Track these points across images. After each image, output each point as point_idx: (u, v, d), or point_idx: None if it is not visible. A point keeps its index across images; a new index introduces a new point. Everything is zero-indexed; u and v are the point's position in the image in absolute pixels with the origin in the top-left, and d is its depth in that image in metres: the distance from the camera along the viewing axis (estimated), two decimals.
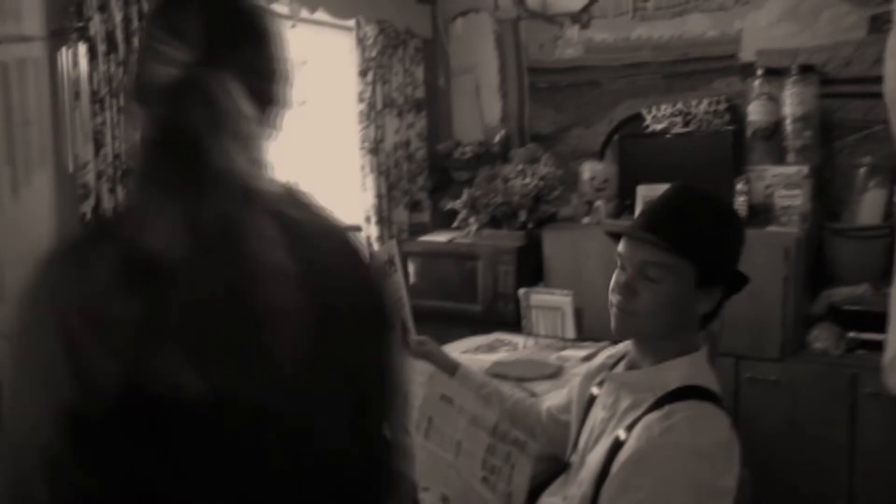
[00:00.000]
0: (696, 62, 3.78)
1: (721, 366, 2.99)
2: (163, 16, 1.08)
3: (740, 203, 3.23)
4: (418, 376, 1.74)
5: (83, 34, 2.74)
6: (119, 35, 2.82)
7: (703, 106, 3.65)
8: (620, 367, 1.62)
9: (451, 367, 1.90)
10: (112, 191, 2.83)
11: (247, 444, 0.95)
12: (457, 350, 3.21)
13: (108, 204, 2.81)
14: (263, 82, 1.14)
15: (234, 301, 0.97)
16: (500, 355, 3.08)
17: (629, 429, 1.42)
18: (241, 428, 0.95)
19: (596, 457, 1.48)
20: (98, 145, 2.79)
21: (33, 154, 2.75)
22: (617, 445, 1.42)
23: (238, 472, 0.96)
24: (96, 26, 2.76)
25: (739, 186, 3.28)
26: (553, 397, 1.92)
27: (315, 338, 0.98)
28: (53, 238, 2.82)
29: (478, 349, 3.22)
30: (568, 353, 3.04)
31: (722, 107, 3.61)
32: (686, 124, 3.69)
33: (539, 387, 2.54)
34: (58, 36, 2.74)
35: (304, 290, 0.99)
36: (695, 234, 1.46)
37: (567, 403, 1.81)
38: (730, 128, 3.56)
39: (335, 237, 1.14)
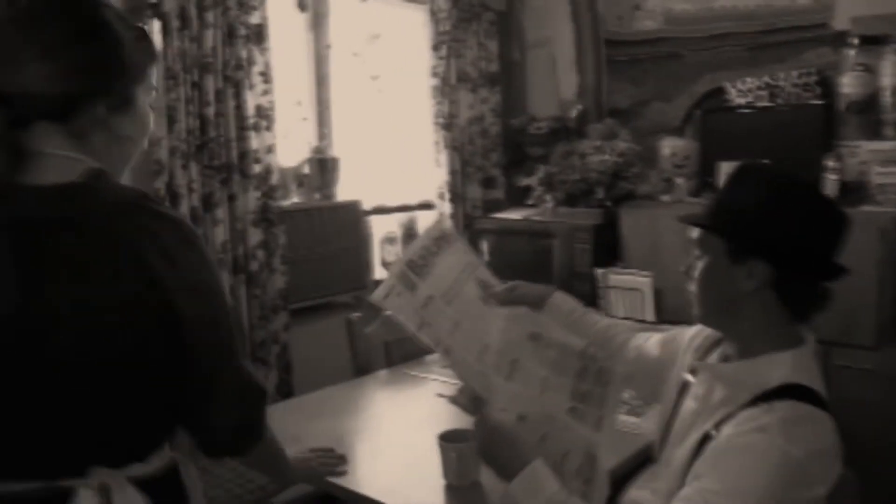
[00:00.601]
0: (784, 32, 3.59)
1: None
2: None
3: (831, 181, 3.07)
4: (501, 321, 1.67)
5: (157, 11, 2.73)
6: (192, 11, 2.81)
7: (791, 78, 3.48)
8: (714, 356, 1.52)
9: (542, 301, 1.84)
10: (185, 167, 2.83)
11: None
12: None
13: (180, 180, 2.81)
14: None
15: None
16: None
17: (718, 426, 1.33)
18: None
19: (683, 452, 1.40)
20: (171, 121, 2.78)
21: None
22: (704, 441, 1.34)
23: None
24: (170, 3, 2.74)
25: (830, 163, 3.12)
26: (646, 338, 1.81)
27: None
28: None
29: None
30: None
31: (812, 79, 3.43)
32: (772, 98, 3.53)
33: None
34: (133, 13, 2.73)
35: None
36: (725, 205, 1.40)
37: (657, 359, 1.71)
38: (819, 101, 3.39)
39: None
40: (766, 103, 3.53)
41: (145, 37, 1.29)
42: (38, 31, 1.14)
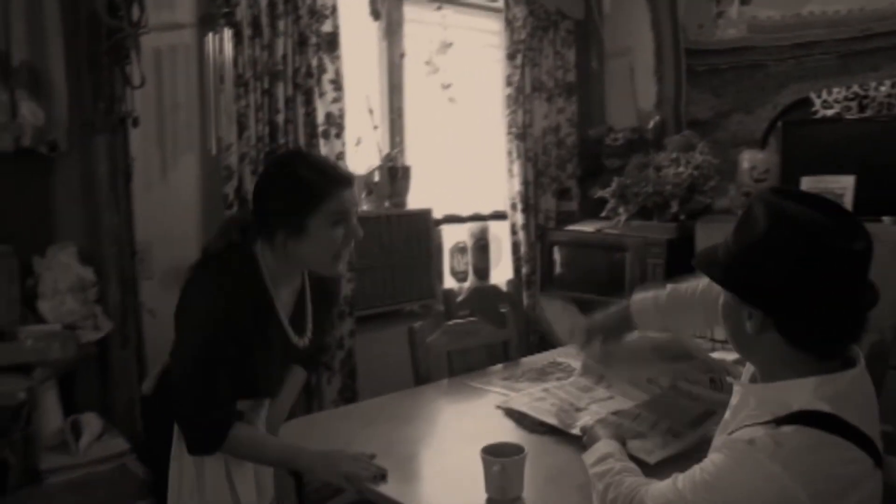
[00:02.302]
0: (880, 38, 3.44)
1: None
2: None
3: None
4: None
5: (230, 20, 2.79)
6: (264, 20, 2.86)
7: (885, 88, 3.32)
8: (747, 375, 1.50)
9: (626, 324, 2.05)
10: (254, 172, 2.87)
11: None
12: None
13: (249, 186, 2.85)
14: None
15: None
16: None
17: (732, 433, 1.33)
18: None
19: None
20: (241, 128, 2.84)
21: (181, 137, 2.84)
22: None
23: None
24: (242, 11, 2.80)
25: None
26: None
27: None
28: (198, 219, 2.90)
29: None
30: (717, 355, 2.83)
31: None
32: (862, 109, 3.37)
33: None
34: (206, 22, 2.80)
35: None
36: (728, 244, 1.33)
37: None
38: None
39: None
40: (855, 115, 3.37)
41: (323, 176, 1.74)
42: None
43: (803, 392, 1.26)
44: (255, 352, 1.79)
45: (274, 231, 1.74)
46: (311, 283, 1.95)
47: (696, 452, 1.68)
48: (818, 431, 1.21)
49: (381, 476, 1.74)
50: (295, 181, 1.73)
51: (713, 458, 1.28)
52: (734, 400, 1.46)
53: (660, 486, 1.36)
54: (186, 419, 1.75)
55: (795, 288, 1.24)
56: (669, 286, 1.98)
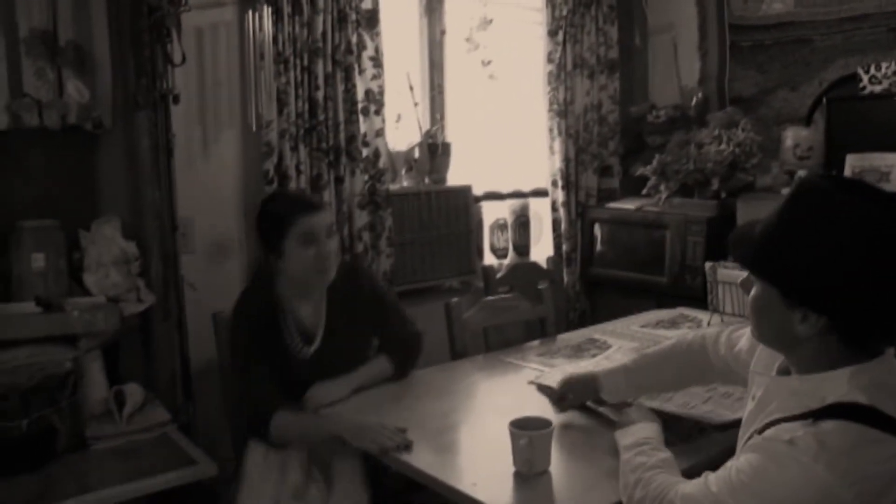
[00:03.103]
0: None
1: None
2: None
3: None
4: None
5: None
6: None
7: None
8: (776, 365, 1.43)
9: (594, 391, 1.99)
10: (294, 149, 2.91)
11: None
12: (637, 323, 3.08)
13: (289, 161, 2.89)
14: None
15: None
16: (681, 332, 2.90)
17: (763, 430, 1.27)
18: None
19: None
20: (281, 105, 2.87)
21: (222, 114, 2.89)
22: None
23: None
24: None
25: None
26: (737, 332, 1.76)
27: None
28: (239, 194, 2.96)
29: (658, 324, 3.06)
30: (718, 324, 2.81)
31: None
32: None
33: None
34: (246, 0, 2.83)
35: None
36: (774, 238, 1.27)
37: (745, 349, 1.66)
38: None
39: None
40: None
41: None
42: None
43: (839, 384, 1.24)
44: (268, 358, 2.16)
45: (267, 256, 2.20)
46: (330, 296, 2.28)
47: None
48: (859, 426, 1.18)
49: (406, 447, 1.81)
50: (268, 213, 2.21)
51: (749, 459, 1.23)
52: (758, 392, 1.42)
53: (690, 488, 1.32)
54: (238, 409, 2.21)
55: (861, 290, 1.20)
56: (637, 354, 1.99)
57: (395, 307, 2.46)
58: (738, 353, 1.70)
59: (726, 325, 1.90)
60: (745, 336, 1.69)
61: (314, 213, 2.16)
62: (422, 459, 1.77)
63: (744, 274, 1.40)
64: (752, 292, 1.34)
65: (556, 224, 4.05)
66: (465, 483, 1.65)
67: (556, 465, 1.70)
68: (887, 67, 3.35)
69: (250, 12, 2.81)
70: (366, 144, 3.16)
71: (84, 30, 2.42)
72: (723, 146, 3.55)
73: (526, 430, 1.66)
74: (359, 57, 3.10)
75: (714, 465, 1.33)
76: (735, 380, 1.74)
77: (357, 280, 2.34)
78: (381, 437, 1.83)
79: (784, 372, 1.38)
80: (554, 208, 4.04)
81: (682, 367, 1.86)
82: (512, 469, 1.67)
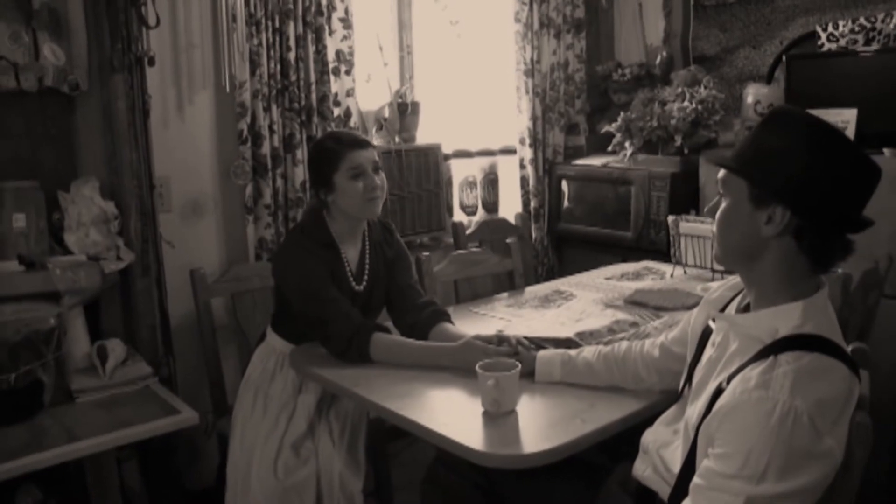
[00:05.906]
0: None
1: (887, 310, 2.81)
2: None
3: None
4: None
5: None
6: None
7: (894, 20, 3.32)
8: (733, 306, 1.55)
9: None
10: (267, 109, 2.97)
11: None
12: (602, 276, 3.19)
13: (262, 121, 2.95)
14: None
15: None
16: (645, 283, 3.02)
17: (730, 379, 1.34)
18: None
19: (700, 404, 1.44)
20: (254, 66, 2.91)
21: (196, 76, 2.93)
22: (718, 394, 1.35)
23: None
24: None
25: None
26: (671, 330, 1.88)
27: None
28: (214, 154, 3.02)
29: (623, 276, 3.17)
30: (715, 284, 2.91)
31: None
32: (868, 42, 3.39)
33: (678, 316, 2.47)
34: None
35: None
36: (753, 148, 1.40)
37: (682, 336, 1.77)
38: None
39: None
40: (861, 48, 3.39)
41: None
42: None
43: (791, 316, 1.34)
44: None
45: (318, 193, 2.30)
46: (370, 244, 2.41)
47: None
48: (812, 354, 1.28)
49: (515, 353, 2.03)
50: (320, 150, 2.32)
51: (734, 421, 1.26)
52: (717, 337, 1.51)
53: (698, 479, 1.31)
54: (333, 338, 2.17)
55: (830, 191, 1.33)
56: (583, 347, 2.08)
57: (413, 272, 2.54)
58: (673, 339, 1.83)
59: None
60: (678, 328, 1.84)
61: (362, 149, 2.26)
62: (397, 404, 1.86)
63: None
64: (721, 206, 1.44)
65: (524, 181, 4.13)
66: (438, 423, 1.74)
67: (523, 405, 1.80)
68: (844, 26, 3.44)
69: None
70: (337, 104, 3.21)
71: None
72: (686, 103, 3.64)
73: (493, 372, 1.76)
74: (329, 18, 3.14)
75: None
76: (669, 382, 1.82)
77: (392, 236, 2.49)
78: (488, 350, 2.01)
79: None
80: (522, 166, 4.12)
81: (614, 373, 1.92)
82: (481, 410, 1.78)
